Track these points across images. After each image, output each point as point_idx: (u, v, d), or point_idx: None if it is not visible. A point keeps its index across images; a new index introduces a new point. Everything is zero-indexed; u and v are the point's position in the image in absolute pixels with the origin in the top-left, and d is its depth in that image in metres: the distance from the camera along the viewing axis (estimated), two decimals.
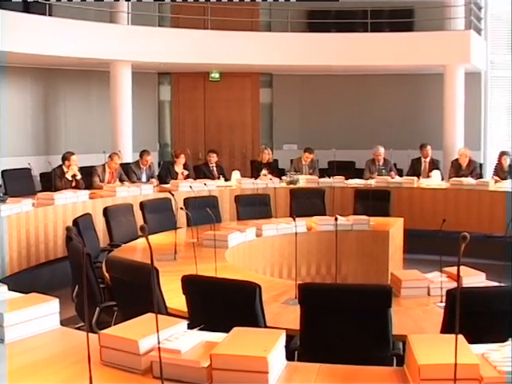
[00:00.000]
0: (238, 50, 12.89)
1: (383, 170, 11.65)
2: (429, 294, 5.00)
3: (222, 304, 4.10)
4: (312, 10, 14.37)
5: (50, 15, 11.59)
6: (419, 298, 4.95)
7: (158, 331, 2.66)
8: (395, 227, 8.31)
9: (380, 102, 14.78)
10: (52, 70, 13.27)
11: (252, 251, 7.38)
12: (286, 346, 3.12)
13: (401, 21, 13.85)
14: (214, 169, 11.78)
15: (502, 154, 11.64)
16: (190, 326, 3.25)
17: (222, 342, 2.95)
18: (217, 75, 14.91)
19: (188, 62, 12.97)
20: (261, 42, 13.23)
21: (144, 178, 11.14)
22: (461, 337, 2.86)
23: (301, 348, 3.99)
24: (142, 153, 11.31)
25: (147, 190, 10.19)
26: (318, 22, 13.97)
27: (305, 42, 13.36)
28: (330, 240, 6.79)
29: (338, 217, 7.70)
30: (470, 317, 3.56)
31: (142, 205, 8.33)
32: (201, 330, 3.19)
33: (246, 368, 2.76)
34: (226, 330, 3.07)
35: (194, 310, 4.24)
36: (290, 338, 4.05)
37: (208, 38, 12.86)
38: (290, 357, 3.68)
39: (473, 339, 2.95)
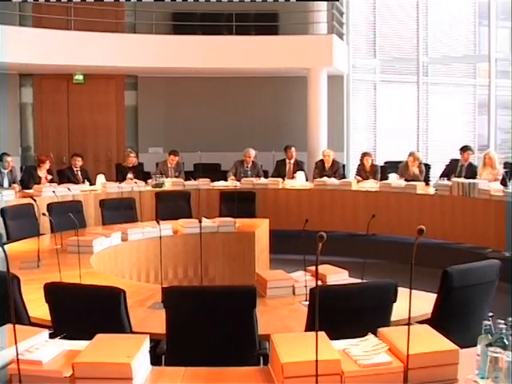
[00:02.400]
0: (103, 52, 12.68)
1: (249, 172, 11.75)
2: (294, 293, 5.08)
3: (86, 311, 4.00)
4: (177, 12, 14.31)
5: None
6: (285, 297, 5.02)
7: (16, 342, 2.57)
8: (261, 228, 8.39)
9: (245, 105, 14.92)
10: None
11: (118, 256, 7.27)
12: (153, 351, 3.09)
13: (266, 24, 14.05)
14: (79, 173, 11.49)
15: (364, 154, 12.00)
16: (53, 335, 3.16)
17: (85, 349, 2.89)
18: (81, 77, 14.59)
19: (51, 64, 12.60)
20: (125, 44, 13.05)
21: (6, 183, 10.73)
22: (322, 334, 2.93)
23: (167, 352, 3.96)
24: (2, 155, 10.87)
25: (9, 196, 9.76)
26: (183, 24, 13.93)
27: (170, 44, 13.30)
28: (196, 242, 6.78)
29: (204, 219, 7.74)
30: (333, 314, 3.65)
31: (3, 211, 8.05)
32: (64, 338, 3.11)
33: (109, 375, 2.72)
34: (91, 338, 3.01)
35: (58, 319, 4.12)
36: (157, 342, 4.03)
37: (71, 39, 12.54)
38: (157, 361, 3.66)
39: (336, 335, 3.03)
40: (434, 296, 4.43)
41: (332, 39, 13.58)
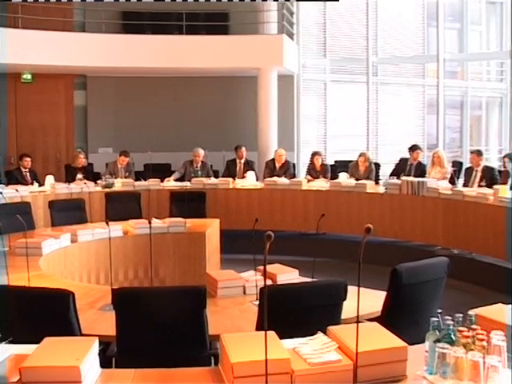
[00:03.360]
0: (51, 51, 12.49)
1: (199, 172, 11.71)
2: (244, 293, 5.10)
3: (35, 314, 3.95)
4: (127, 11, 14.21)
5: None
6: (235, 297, 5.03)
7: None
8: (211, 228, 8.38)
9: (196, 104, 14.87)
10: None
11: (68, 258, 7.19)
12: (103, 353, 3.06)
13: (216, 24, 14.04)
14: (27, 174, 11.33)
15: (314, 154, 12.05)
16: (0, 340, 3.11)
17: (33, 354, 2.85)
18: (29, 77, 14.36)
19: None
20: (74, 43, 12.87)
21: None
22: (272, 333, 2.94)
23: (118, 354, 3.93)
24: None
25: None
26: (133, 23, 13.83)
27: (119, 43, 13.18)
28: (146, 243, 6.74)
29: (154, 219, 7.71)
30: (283, 313, 3.67)
31: None
32: (11, 342, 3.06)
33: (58, 379, 2.69)
34: (39, 342, 2.97)
35: (6, 323, 4.06)
36: (107, 344, 3.99)
37: (19, 38, 12.28)
38: (107, 364, 3.63)
39: (286, 334, 3.04)
40: (383, 294, 4.47)
41: (282, 39, 13.61)
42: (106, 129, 14.80)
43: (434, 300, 4.59)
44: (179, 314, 3.96)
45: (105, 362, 3.06)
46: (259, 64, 13.51)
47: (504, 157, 10.10)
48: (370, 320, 3.88)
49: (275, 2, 14.17)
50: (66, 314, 3.90)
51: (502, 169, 10.25)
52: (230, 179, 11.46)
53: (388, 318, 4.24)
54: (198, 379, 2.99)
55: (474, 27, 16.41)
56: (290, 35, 14.65)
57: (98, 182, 11.11)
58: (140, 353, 3.90)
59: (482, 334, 2.84)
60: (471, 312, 3.07)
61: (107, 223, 5.96)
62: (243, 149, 12.21)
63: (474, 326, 2.93)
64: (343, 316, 4.03)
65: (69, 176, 11.72)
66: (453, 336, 2.87)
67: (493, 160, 15.78)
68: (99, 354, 3.05)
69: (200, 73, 14.31)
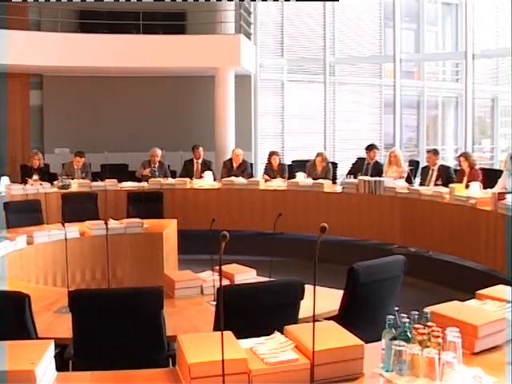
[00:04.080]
0: (6, 50, 12.31)
1: (156, 172, 11.66)
2: (202, 293, 5.11)
3: None
4: (83, 9, 14.08)
5: None
6: (193, 297, 5.03)
7: None
8: (169, 229, 8.35)
9: (153, 104, 14.81)
10: None
11: (23, 260, 7.09)
12: (60, 356, 3.03)
13: (173, 23, 14.00)
14: None
15: (272, 153, 12.07)
16: None
17: None
18: None
19: None
20: (30, 42, 12.70)
21: None
22: (229, 333, 2.94)
23: (74, 357, 3.90)
24: None
25: None
26: (90, 22, 13.72)
27: (76, 42, 13.04)
28: (103, 244, 6.66)
29: (111, 220, 7.65)
30: (240, 313, 3.67)
31: None
32: None
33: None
34: None
35: None
36: (64, 347, 3.96)
37: None
38: (64, 367, 3.59)
39: (244, 334, 3.04)
40: (341, 292, 4.50)
41: (240, 39, 13.62)
42: (62, 129, 14.63)
43: (391, 298, 4.63)
44: (136, 316, 3.94)
45: (62, 365, 3.03)
46: (216, 64, 13.49)
47: (459, 156, 10.22)
48: (328, 319, 3.90)
49: (232, 2, 14.19)
50: (22, 317, 3.85)
51: (458, 168, 10.37)
52: (188, 179, 11.42)
53: (346, 317, 4.27)
54: (155, 381, 2.98)
55: (430, 28, 16.58)
56: (248, 35, 14.66)
57: (54, 182, 10.99)
58: (97, 355, 3.87)
59: (437, 331, 2.88)
60: (427, 309, 3.11)
61: (63, 224, 5.90)
62: (201, 149, 12.18)
63: (429, 324, 2.97)
64: (301, 315, 4.04)
65: (24, 177, 11.57)
66: (409, 333, 2.91)
67: (449, 159, 15.97)
68: (55, 357, 3.01)
69: (157, 72, 14.25)
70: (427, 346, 2.83)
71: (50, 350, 2.94)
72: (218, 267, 5.22)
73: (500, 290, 3.70)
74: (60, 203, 9.43)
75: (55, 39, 13.00)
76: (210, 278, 5.12)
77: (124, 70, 13.96)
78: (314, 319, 2.72)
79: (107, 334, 3.92)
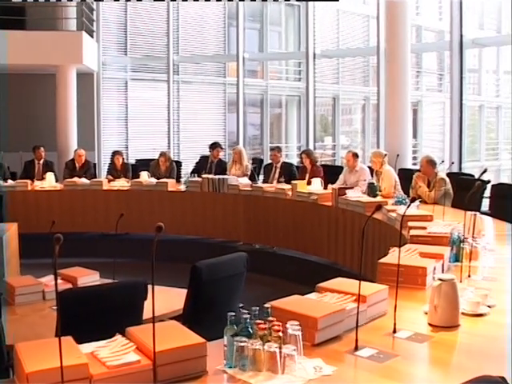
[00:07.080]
0: None
1: None
2: (44, 299, 4.98)
3: None
4: None
5: None
6: (35, 303, 4.90)
7: None
8: (10, 232, 8.04)
9: None
10: None
11: None
12: None
13: (12, 18, 13.45)
14: None
15: (115, 153, 11.94)
16: None
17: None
18: None
19: None
20: None
21: None
22: (69, 338, 2.87)
23: None
24: None
25: None
26: None
27: None
28: None
29: None
30: (83, 316, 3.60)
31: None
32: None
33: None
34: None
35: None
36: None
37: None
38: None
39: (87, 338, 2.98)
40: (186, 291, 4.51)
41: (82, 36, 13.39)
42: None
43: (235, 295, 4.70)
44: None
45: None
46: (57, 61, 13.19)
47: (301, 153, 10.51)
48: (174, 318, 3.89)
49: None
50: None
51: (300, 165, 10.64)
52: (29, 181, 11.08)
53: (190, 315, 4.30)
54: None
55: (273, 28, 16.93)
56: (90, 32, 14.43)
57: None
58: None
59: (277, 325, 2.93)
60: (267, 304, 3.16)
61: None
62: (42, 149, 11.83)
63: (270, 318, 3.02)
64: (145, 316, 4.01)
65: None
66: (250, 329, 2.94)
67: (293, 156, 16.36)
68: None
69: None
70: (268, 341, 2.88)
71: None
72: (60, 270, 5.11)
73: (339, 282, 3.81)
74: None
75: None
76: (52, 283, 4.99)
77: None
78: (154, 320, 2.71)
79: None
